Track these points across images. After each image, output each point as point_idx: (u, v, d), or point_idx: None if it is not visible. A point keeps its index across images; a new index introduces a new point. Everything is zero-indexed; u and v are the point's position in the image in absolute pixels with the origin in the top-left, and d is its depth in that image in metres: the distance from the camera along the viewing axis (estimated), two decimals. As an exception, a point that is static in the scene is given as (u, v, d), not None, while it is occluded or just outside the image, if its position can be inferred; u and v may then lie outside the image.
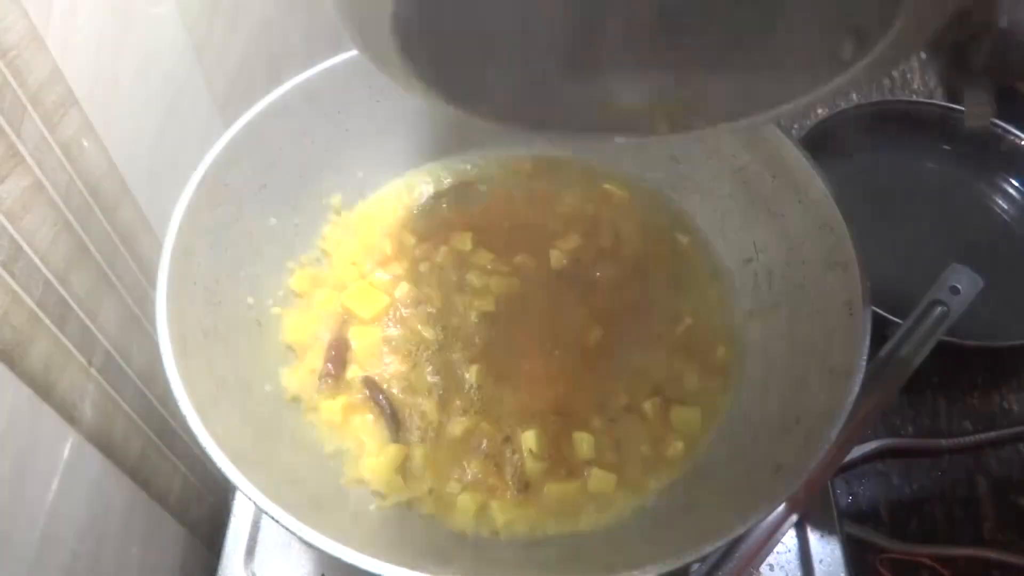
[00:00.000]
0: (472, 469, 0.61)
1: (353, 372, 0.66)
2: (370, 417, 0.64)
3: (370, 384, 0.65)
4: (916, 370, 0.62)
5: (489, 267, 0.72)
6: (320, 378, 0.65)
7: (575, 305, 0.69)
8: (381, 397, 0.64)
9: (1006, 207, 1.00)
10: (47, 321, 0.53)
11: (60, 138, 0.54)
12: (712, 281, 0.72)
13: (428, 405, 0.64)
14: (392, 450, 0.62)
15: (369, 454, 0.62)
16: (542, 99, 0.45)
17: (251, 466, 0.51)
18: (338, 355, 0.66)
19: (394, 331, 0.68)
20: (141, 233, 0.67)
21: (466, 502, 0.60)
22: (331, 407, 0.64)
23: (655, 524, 0.58)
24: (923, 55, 1.23)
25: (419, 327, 0.68)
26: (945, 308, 0.63)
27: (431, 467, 0.62)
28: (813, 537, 0.68)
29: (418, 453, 0.62)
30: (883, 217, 0.97)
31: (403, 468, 0.61)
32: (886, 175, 1.05)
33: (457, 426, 0.63)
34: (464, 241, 0.73)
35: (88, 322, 0.58)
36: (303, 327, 0.68)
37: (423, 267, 0.72)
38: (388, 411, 0.63)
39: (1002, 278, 0.89)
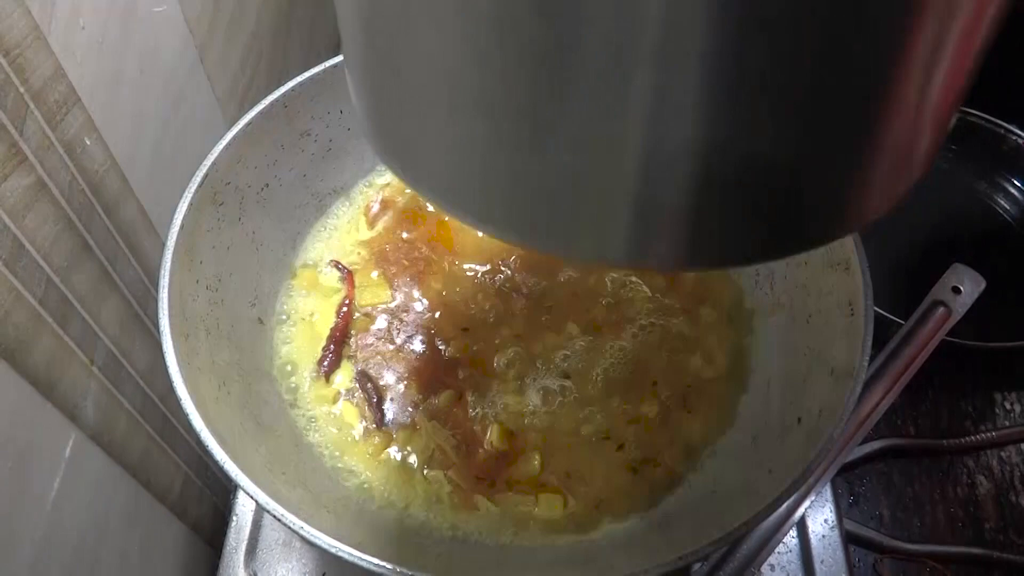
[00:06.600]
0: (474, 469, 0.61)
1: (352, 369, 0.66)
2: (370, 415, 0.64)
3: (366, 379, 0.65)
4: (918, 370, 0.62)
5: (489, 265, 0.72)
6: (318, 375, 0.65)
7: (575, 305, 0.69)
8: (376, 397, 0.64)
9: (1008, 207, 1.00)
10: (49, 320, 0.53)
11: (62, 137, 0.54)
12: (713, 282, 0.72)
13: (430, 404, 0.64)
14: (393, 448, 0.62)
15: (370, 452, 0.62)
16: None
17: (253, 464, 0.51)
18: (336, 350, 0.66)
19: (396, 329, 0.68)
20: (143, 232, 0.67)
21: (467, 502, 0.60)
22: (333, 405, 0.64)
23: (655, 525, 0.58)
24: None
25: (421, 326, 0.68)
26: (947, 308, 0.63)
27: (433, 466, 0.62)
28: (814, 537, 0.68)
29: (420, 453, 0.62)
30: (884, 217, 0.97)
31: (404, 466, 0.62)
32: (888, 175, 1.04)
33: (459, 426, 0.63)
34: (465, 241, 0.73)
35: (90, 321, 0.58)
36: (306, 326, 0.68)
37: (424, 266, 0.72)
38: (383, 409, 0.63)
39: (1004, 278, 0.89)
